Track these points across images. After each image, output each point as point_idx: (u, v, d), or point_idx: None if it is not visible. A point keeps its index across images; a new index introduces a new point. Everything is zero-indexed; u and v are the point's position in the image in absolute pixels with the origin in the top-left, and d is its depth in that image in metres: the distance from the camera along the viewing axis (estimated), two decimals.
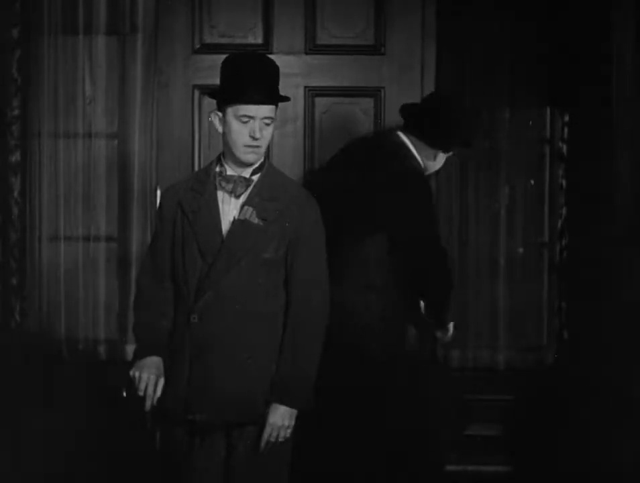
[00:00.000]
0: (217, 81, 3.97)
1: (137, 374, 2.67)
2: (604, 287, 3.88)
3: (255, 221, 2.71)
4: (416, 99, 4.07)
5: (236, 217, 2.72)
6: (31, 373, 3.93)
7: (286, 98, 2.83)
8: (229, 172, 2.75)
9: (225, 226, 2.72)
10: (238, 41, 4.08)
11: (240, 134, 2.69)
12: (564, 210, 4.26)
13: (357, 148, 3.49)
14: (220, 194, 2.75)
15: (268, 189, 2.77)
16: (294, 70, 4.08)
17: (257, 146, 2.70)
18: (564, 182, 4.26)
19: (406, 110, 3.45)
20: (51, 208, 4.07)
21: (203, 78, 4.00)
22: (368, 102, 4.10)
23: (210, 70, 4.03)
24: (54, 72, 4.04)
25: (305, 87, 4.09)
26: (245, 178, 2.75)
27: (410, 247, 3.27)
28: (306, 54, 4.09)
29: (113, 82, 4.06)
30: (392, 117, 4.07)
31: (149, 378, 2.66)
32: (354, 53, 4.08)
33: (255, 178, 2.76)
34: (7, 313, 4.04)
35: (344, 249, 3.28)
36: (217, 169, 2.77)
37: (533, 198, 4.27)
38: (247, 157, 2.72)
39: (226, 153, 2.77)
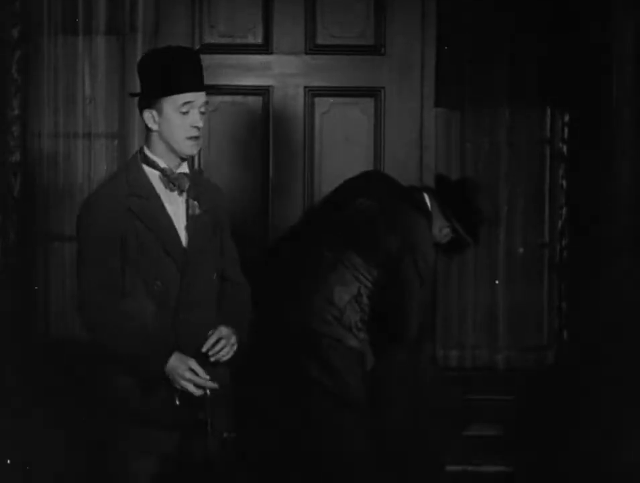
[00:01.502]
0: (217, 80, 4.01)
1: (190, 367, 2.57)
2: (604, 287, 3.88)
3: (201, 213, 2.73)
4: (416, 100, 4.09)
5: (190, 214, 2.72)
6: (32, 374, 3.93)
7: (214, 88, 2.86)
8: (175, 170, 2.73)
9: (178, 225, 2.71)
10: (238, 41, 4.08)
11: (181, 127, 2.67)
12: (564, 210, 4.27)
13: (383, 188, 3.58)
14: (161, 194, 2.71)
15: (197, 181, 2.78)
16: (294, 70, 4.08)
17: (198, 137, 2.69)
18: (564, 182, 4.27)
19: (441, 179, 3.61)
20: (52, 208, 4.07)
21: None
22: (368, 102, 4.10)
23: (211, 69, 4.01)
24: (54, 72, 4.04)
25: (305, 87, 4.09)
26: (186, 173, 2.74)
27: (399, 287, 3.38)
28: (306, 54, 4.09)
29: (113, 82, 4.06)
30: (392, 117, 4.08)
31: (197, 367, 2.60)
32: (354, 53, 4.08)
33: (189, 172, 2.78)
34: (7, 313, 4.03)
35: (336, 260, 3.41)
36: (155, 169, 2.71)
37: (533, 198, 4.27)
38: (191, 150, 2.71)
39: (160, 151, 2.71)
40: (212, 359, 2.64)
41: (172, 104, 2.66)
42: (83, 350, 3.99)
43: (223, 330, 2.67)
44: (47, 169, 4.06)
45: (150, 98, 2.68)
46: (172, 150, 2.70)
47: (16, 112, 4.04)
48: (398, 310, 3.42)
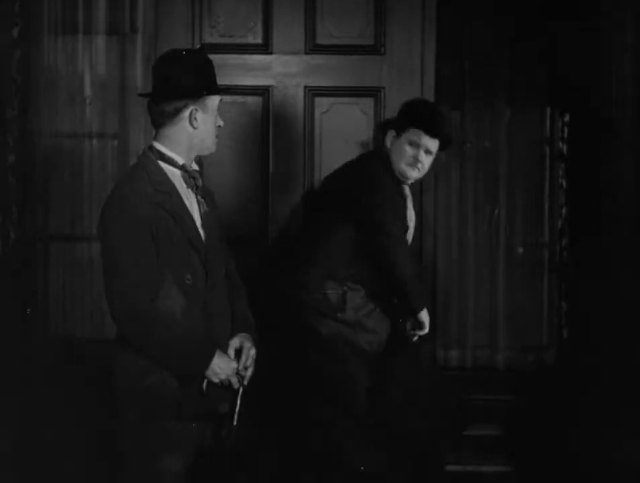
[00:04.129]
0: (217, 80, 3.99)
1: (234, 368, 2.74)
2: (604, 287, 3.88)
3: (209, 210, 2.81)
4: None
5: (202, 210, 2.78)
6: (34, 374, 3.93)
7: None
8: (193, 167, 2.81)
9: (196, 222, 2.76)
10: (238, 41, 4.08)
11: (214, 125, 2.78)
12: (564, 210, 4.27)
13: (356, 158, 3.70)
14: (180, 190, 2.75)
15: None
16: (294, 70, 4.08)
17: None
18: (564, 182, 4.27)
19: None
20: (52, 208, 4.07)
21: None
22: (368, 102, 4.10)
23: None
24: (54, 72, 4.04)
25: (305, 87, 4.09)
26: (198, 171, 2.82)
27: (368, 231, 3.42)
28: (306, 53, 4.09)
29: (113, 82, 4.06)
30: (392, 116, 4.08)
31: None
32: (354, 53, 4.07)
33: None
34: (7, 314, 4.03)
35: (312, 241, 3.51)
36: (174, 166, 2.75)
37: (533, 198, 4.27)
38: (215, 148, 2.82)
39: (180, 149, 2.75)
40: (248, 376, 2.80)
41: (213, 102, 2.76)
42: (84, 349, 4.04)
43: (246, 342, 2.82)
44: (47, 169, 4.06)
45: (197, 96, 2.72)
46: (198, 148, 2.77)
47: (16, 112, 4.03)
48: (385, 261, 3.42)
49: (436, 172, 4.14)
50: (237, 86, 4.06)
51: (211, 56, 3.96)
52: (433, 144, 3.49)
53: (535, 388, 4.17)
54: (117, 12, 4.02)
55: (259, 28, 4.08)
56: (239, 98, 4.09)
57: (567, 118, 4.24)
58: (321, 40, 4.09)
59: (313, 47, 4.09)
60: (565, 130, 4.25)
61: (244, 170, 4.10)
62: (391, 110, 4.06)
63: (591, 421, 3.91)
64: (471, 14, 4.15)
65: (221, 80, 4.00)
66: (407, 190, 3.60)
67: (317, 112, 4.10)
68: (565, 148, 4.26)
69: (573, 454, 4.01)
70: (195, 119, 2.72)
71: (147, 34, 4.03)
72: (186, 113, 2.71)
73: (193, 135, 2.74)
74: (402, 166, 3.50)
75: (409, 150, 3.49)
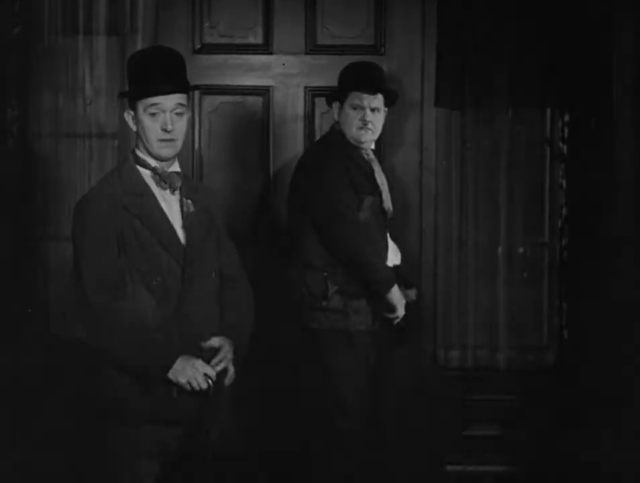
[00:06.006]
0: (217, 80, 4.02)
1: (198, 368, 2.62)
2: (604, 287, 3.88)
3: (195, 211, 2.75)
4: (417, 100, 4.10)
5: (185, 212, 2.74)
6: (34, 374, 3.93)
7: (195, 88, 2.84)
8: (167, 169, 2.76)
9: (175, 223, 2.72)
10: (238, 41, 4.09)
11: (152, 129, 2.69)
12: (564, 210, 4.26)
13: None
14: (156, 192, 2.73)
15: (188, 180, 2.82)
16: (294, 70, 4.08)
17: (172, 139, 2.69)
18: (564, 182, 4.27)
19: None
20: (51, 208, 4.07)
21: (203, 78, 3.99)
22: None
23: (211, 70, 4.04)
24: (54, 72, 4.04)
25: (305, 87, 4.09)
26: (177, 172, 2.76)
27: (314, 211, 3.46)
28: (306, 54, 4.10)
29: (113, 82, 4.05)
30: (392, 117, 4.07)
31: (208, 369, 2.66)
32: (354, 53, 4.07)
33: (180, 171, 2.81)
34: (7, 313, 4.03)
35: (290, 232, 3.58)
36: (146, 168, 2.74)
37: (533, 198, 4.27)
38: (163, 151, 2.71)
39: (144, 151, 2.74)
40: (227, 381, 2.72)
41: (142, 106, 2.69)
42: (83, 350, 4.03)
43: (226, 346, 2.71)
44: (47, 169, 4.06)
45: (128, 99, 2.73)
46: (149, 151, 2.73)
47: (16, 112, 4.03)
48: (340, 244, 3.43)
49: (436, 171, 4.14)
50: (237, 86, 4.07)
51: (212, 56, 4.04)
52: (376, 101, 3.53)
53: (535, 388, 4.16)
54: (117, 12, 4.02)
55: (259, 28, 4.08)
56: (239, 98, 4.09)
57: (567, 118, 4.24)
58: (321, 40, 4.09)
59: (313, 48, 4.09)
60: (565, 130, 4.24)
61: (244, 170, 4.10)
62: (391, 110, 4.06)
63: (591, 421, 3.91)
64: (471, 14, 4.14)
65: (221, 80, 4.07)
66: (371, 155, 3.60)
67: (317, 112, 4.10)
68: (565, 148, 4.25)
69: (573, 454, 4.01)
70: (132, 122, 2.73)
71: (147, 34, 4.02)
72: (125, 117, 2.75)
73: (140, 138, 2.73)
74: (354, 132, 3.53)
75: (355, 114, 3.52)
